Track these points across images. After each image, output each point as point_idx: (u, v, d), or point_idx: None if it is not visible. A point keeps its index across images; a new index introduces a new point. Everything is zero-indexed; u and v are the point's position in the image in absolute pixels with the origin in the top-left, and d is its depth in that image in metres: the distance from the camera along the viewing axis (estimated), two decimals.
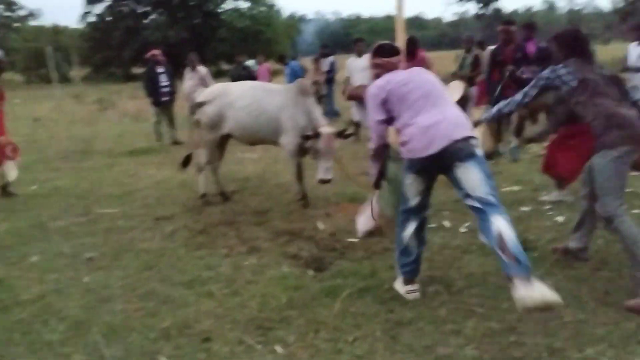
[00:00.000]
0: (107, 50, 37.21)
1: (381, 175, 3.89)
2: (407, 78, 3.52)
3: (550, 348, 2.93)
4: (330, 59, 12.69)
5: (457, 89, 5.72)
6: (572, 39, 3.67)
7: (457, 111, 3.45)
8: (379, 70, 3.65)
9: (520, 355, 2.90)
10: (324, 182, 5.38)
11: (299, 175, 5.79)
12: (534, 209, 5.29)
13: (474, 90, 9.32)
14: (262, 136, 5.84)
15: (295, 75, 12.01)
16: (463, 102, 5.87)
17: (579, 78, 3.51)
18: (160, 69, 10.37)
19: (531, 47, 8.49)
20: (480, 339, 3.04)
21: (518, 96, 3.77)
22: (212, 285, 3.93)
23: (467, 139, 3.27)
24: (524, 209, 5.30)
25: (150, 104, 10.59)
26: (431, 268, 4.00)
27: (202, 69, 10.57)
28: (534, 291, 2.89)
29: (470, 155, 3.24)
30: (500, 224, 3.06)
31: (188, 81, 10.47)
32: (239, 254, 4.53)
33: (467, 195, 3.23)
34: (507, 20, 7.89)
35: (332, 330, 3.21)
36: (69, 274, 4.26)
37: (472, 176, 3.21)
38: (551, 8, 74.78)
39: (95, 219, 5.68)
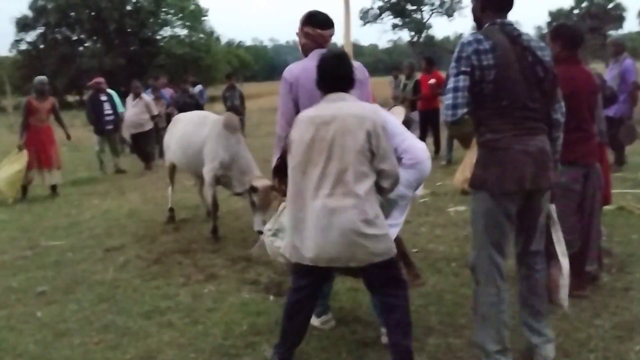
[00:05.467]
0: None
1: None
2: None
3: None
4: (199, 87, 12.64)
5: (399, 114, 5.88)
6: None
7: None
8: (308, 41, 3.23)
9: None
10: (260, 233, 5.06)
11: (215, 207, 5.65)
12: None
13: (416, 115, 9.72)
14: (194, 167, 5.82)
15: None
16: (405, 126, 6.02)
17: None
18: (103, 97, 10.18)
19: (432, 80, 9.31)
20: (442, 355, 3.15)
21: None
22: (172, 315, 3.89)
23: None
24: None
25: (93, 132, 10.36)
26: None
27: (146, 97, 10.47)
28: None
29: None
30: None
31: (131, 109, 10.34)
32: (196, 282, 4.50)
33: None
34: None
35: (299, 354, 3.23)
36: (20, 309, 4.12)
37: None
38: None
39: (42, 252, 5.50)
